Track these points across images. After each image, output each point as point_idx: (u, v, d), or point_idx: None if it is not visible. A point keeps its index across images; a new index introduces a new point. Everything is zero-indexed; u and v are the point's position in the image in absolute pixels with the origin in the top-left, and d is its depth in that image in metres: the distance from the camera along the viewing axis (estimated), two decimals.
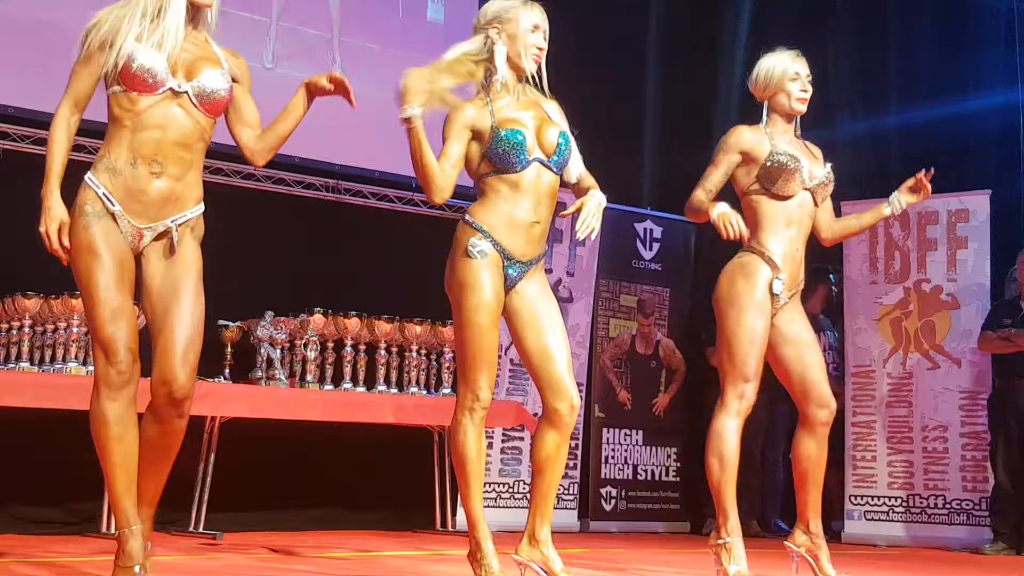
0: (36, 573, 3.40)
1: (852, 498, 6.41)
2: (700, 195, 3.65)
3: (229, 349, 5.20)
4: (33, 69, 5.36)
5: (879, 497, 6.35)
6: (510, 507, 6.17)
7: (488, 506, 5.86)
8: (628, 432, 6.83)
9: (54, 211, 2.84)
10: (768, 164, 3.63)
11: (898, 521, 6.29)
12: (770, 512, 6.60)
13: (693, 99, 7.36)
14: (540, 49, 3.22)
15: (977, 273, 6.30)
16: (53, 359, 4.81)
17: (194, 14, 2.88)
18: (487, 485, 5.99)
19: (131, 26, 2.83)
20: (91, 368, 4.82)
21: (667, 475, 6.95)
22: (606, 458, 6.72)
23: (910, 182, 3.86)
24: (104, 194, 2.84)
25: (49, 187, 2.86)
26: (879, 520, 6.33)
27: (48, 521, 4.99)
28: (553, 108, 3.29)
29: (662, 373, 6.96)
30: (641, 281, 6.87)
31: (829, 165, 3.78)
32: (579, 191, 3.33)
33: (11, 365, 4.79)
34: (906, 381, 6.38)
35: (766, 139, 3.67)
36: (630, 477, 6.79)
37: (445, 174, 3.15)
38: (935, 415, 6.28)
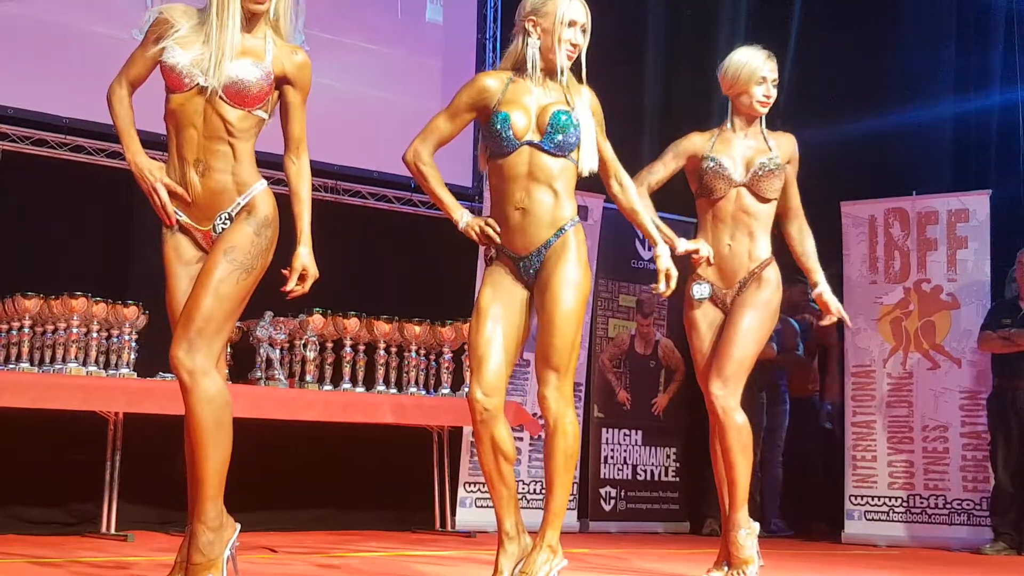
0: (37, 572, 3.41)
1: (852, 498, 6.40)
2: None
3: (228, 350, 5.20)
4: (33, 70, 5.38)
5: (879, 497, 6.34)
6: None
7: (483, 506, 5.90)
8: (627, 432, 6.82)
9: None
10: (700, 169, 3.74)
11: (898, 521, 6.28)
12: (769, 512, 6.60)
13: (693, 99, 7.35)
14: (575, 45, 3.15)
15: (977, 273, 6.29)
16: (53, 359, 4.82)
17: (249, 17, 2.84)
18: (476, 485, 5.98)
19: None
20: (91, 369, 4.84)
21: (667, 475, 6.94)
22: (605, 458, 6.72)
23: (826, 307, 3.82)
24: None
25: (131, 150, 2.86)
26: (879, 520, 6.32)
27: (48, 521, 5.00)
28: (583, 98, 3.19)
29: (661, 373, 6.96)
30: (640, 281, 6.86)
31: (769, 156, 3.72)
32: (607, 188, 3.32)
33: (11, 365, 4.79)
34: (906, 381, 6.38)
35: (709, 145, 3.76)
36: (629, 477, 6.79)
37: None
38: (935, 415, 6.27)
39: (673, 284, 3.33)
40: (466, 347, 5.55)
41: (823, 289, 3.82)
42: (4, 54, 5.32)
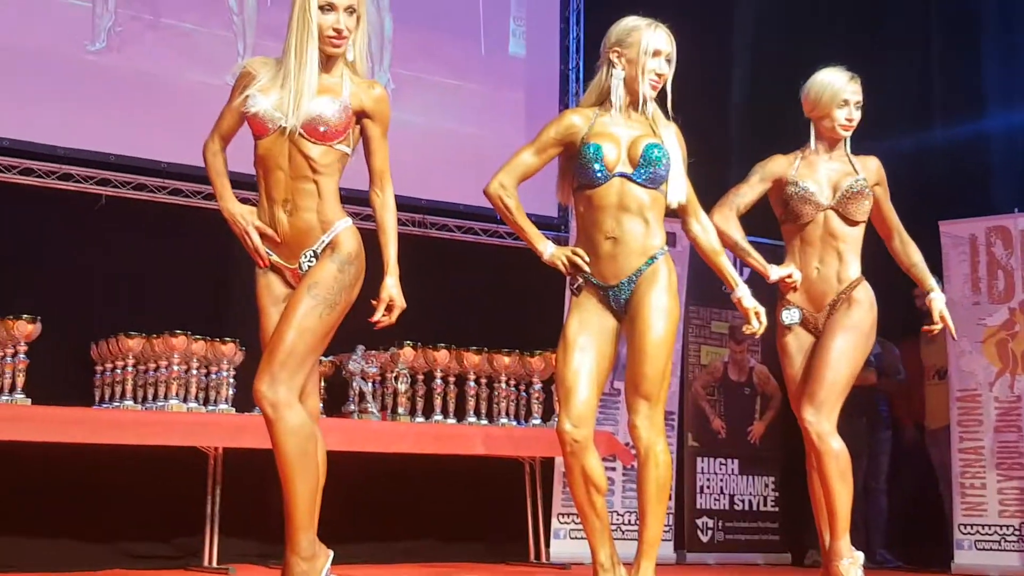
0: None
1: (961, 527, 6.18)
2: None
3: (322, 384, 5.28)
4: (132, 117, 5.58)
5: (990, 526, 6.11)
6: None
7: (577, 537, 5.86)
8: (723, 461, 6.71)
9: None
10: (785, 195, 3.68)
11: (1012, 551, 6.04)
12: (874, 542, 6.41)
13: (780, 115, 7.22)
14: (659, 75, 3.17)
15: None
16: (155, 397, 4.94)
17: (326, 59, 2.92)
18: (570, 516, 5.93)
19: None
20: (191, 405, 4.96)
21: (765, 505, 6.80)
22: (701, 488, 6.60)
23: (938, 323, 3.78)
24: None
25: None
26: (991, 550, 6.09)
27: (153, 556, 5.11)
28: (670, 131, 3.21)
29: (757, 400, 6.84)
30: (732, 307, 6.71)
31: (855, 178, 3.66)
32: (687, 228, 3.32)
33: (116, 403, 4.94)
34: (1015, 405, 6.15)
35: (792, 169, 3.69)
36: (727, 507, 6.66)
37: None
38: None
39: (765, 320, 3.31)
40: (554, 378, 5.56)
41: (935, 296, 3.76)
42: (105, 103, 5.53)
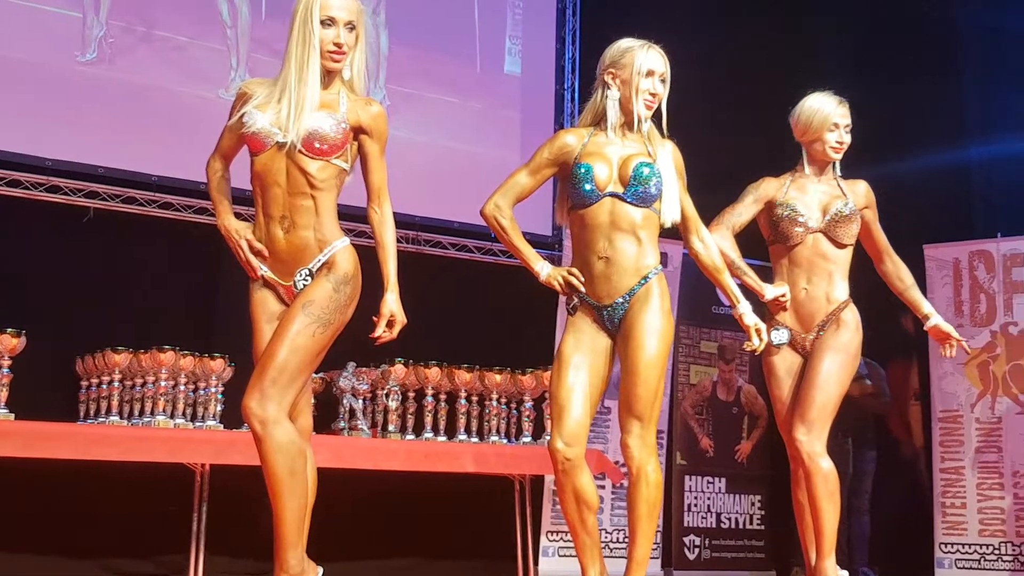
0: None
1: (942, 546, 6.25)
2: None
3: (313, 400, 5.25)
4: (122, 130, 5.55)
5: (970, 545, 6.17)
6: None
7: (566, 555, 5.85)
8: (711, 480, 6.72)
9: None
10: (775, 216, 3.72)
11: (991, 569, 6.12)
12: (857, 560, 6.44)
13: (772, 137, 7.26)
14: (653, 95, 3.17)
15: None
16: (142, 412, 4.90)
17: (325, 75, 2.92)
18: (559, 534, 5.93)
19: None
20: (178, 421, 4.93)
21: (751, 523, 6.82)
22: (689, 506, 6.62)
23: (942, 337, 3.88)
24: None
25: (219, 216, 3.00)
26: (971, 568, 6.15)
27: (137, 573, 5.08)
28: (666, 150, 3.21)
29: (744, 420, 6.87)
30: (722, 327, 6.80)
31: (844, 201, 3.71)
32: (688, 244, 3.33)
33: (101, 419, 4.89)
34: (996, 426, 6.22)
35: (783, 191, 3.73)
36: (713, 525, 6.68)
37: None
38: None
39: (766, 337, 3.33)
40: (547, 396, 5.56)
41: (936, 321, 3.84)
42: (95, 116, 5.50)
